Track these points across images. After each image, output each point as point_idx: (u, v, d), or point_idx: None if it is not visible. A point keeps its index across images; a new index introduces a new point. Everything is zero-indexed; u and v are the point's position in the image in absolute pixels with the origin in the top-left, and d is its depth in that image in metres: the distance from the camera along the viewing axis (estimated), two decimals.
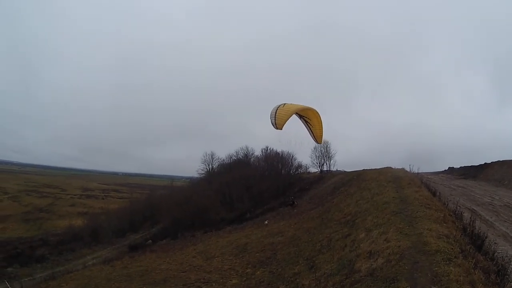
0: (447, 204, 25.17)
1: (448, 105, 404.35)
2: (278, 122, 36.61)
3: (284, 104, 37.81)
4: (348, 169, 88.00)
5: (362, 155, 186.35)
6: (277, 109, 37.09)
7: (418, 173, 44.83)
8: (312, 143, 75.49)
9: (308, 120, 41.87)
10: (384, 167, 57.71)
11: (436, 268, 12.45)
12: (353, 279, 15.10)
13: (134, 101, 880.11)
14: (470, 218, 19.75)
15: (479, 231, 17.68)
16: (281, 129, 37.95)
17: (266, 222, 51.84)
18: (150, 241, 67.08)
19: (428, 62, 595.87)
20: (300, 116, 42.20)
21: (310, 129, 43.16)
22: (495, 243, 16.95)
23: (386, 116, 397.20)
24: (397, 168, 52.38)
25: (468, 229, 18.18)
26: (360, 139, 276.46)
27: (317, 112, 41.10)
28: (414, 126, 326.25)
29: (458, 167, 64.79)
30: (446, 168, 69.19)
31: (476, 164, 58.37)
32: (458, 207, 23.62)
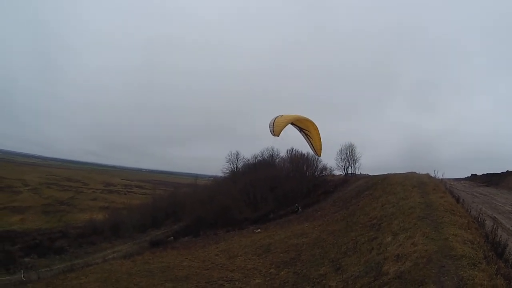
0: (470, 211, 25.63)
1: (480, 110, 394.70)
2: (275, 129, 38.65)
3: (282, 115, 39.41)
4: (372, 173, 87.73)
5: (387, 159, 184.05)
6: (275, 118, 39.02)
7: (442, 179, 45.01)
8: (337, 145, 76.36)
9: (308, 133, 43.73)
10: (409, 172, 57.75)
11: (462, 272, 13.14)
12: (381, 281, 15.74)
13: (162, 101, 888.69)
14: (493, 226, 20.29)
15: (500, 239, 18.25)
16: (278, 135, 39.78)
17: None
18: (172, 237, 67.43)
19: (464, 66, 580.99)
20: (300, 130, 43.64)
21: (310, 141, 44.86)
22: None
23: (417, 120, 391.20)
24: (422, 173, 52.40)
25: (490, 236, 18.77)
26: (388, 143, 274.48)
27: (315, 124, 42.58)
28: (443, 131, 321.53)
29: (481, 174, 64.14)
30: (469, 175, 68.57)
31: (498, 172, 57.92)
32: (480, 215, 24.03)
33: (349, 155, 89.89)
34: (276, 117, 39.40)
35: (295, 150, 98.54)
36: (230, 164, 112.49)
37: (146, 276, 35.05)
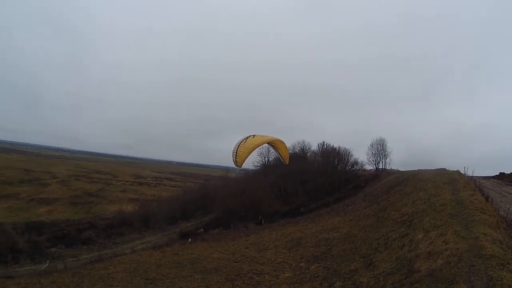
0: (498, 210, 25.87)
1: None
2: (238, 160, 38.55)
3: (246, 139, 39.23)
4: (402, 168, 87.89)
5: (419, 154, 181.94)
6: (238, 145, 38.85)
7: (472, 177, 45.00)
8: (369, 139, 76.98)
9: (275, 146, 44.16)
10: (439, 168, 57.69)
11: (491, 272, 13.71)
12: (412, 279, 16.30)
13: (198, 95, 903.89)
14: None
15: None
16: (241, 166, 39.95)
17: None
18: (202, 229, 68.33)
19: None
20: (268, 142, 44.24)
21: (277, 151, 45.51)
22: None
23: (457, 114, 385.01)
24: (452, 170, 52.39)
25: None
26: (427, 138, 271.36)
27: (283, 141, 43.57)
28: (484, 125, 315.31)
29: (509, 172, 63.06)
30: (497, 173, 67.41)
31: None
32: (508, 215, 24.39)
33: (380, 149, 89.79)
34: (240, 142, 39.18)
35: (326, 144, 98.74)
36: (262, 158, 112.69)
37: (175, 267, 35.57)
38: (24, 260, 52.06)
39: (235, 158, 38.73)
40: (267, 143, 45.43)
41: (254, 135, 40.14)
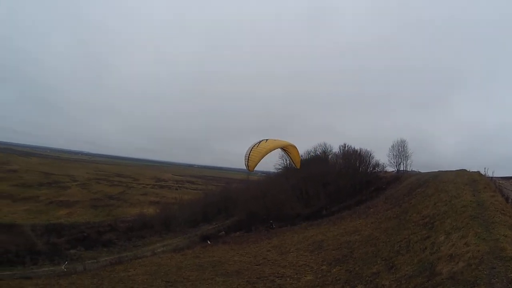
0: None
1: None
2: (250, 164, 38.59)
3: (259, 143, 39.32)
4: (423, 169, 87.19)
5: (439, 155, 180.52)
6: (251, 149, 38.90)
7: (492, 178, 44.85)
8: (390, 141, 76.84)
9: (287, 150, 44.40)
10: (459, 169, 57.48)
11: (511, 275, 13.98)
12: (434, 282, 16.58)
13: (216, 104, 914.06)
14: None
15: None
16: (252, 171, 40.10)
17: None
18: (223, 232, 68.67)
19: None
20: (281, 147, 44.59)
21: (289, 156, 45.77)
22: None
23: (482, 115, 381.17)
24: (472, 171, 52.27)
25: None
26: (447, 139, 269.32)
27: (295, 146, 43.62)
28: (507, 127, 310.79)
29: None
30: None
31: None
32: None
33: (401, 151, 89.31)
34: (253, 146, 39.32)
35: (347, 146, 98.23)
36: (283, 160, 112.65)
37: (196, 270, 36.17)
38: (42, 261, 52.52)
39: (247, 162, 38.79)
40: (280, 147, 45.66)
41: (267, 139, 40.10)
